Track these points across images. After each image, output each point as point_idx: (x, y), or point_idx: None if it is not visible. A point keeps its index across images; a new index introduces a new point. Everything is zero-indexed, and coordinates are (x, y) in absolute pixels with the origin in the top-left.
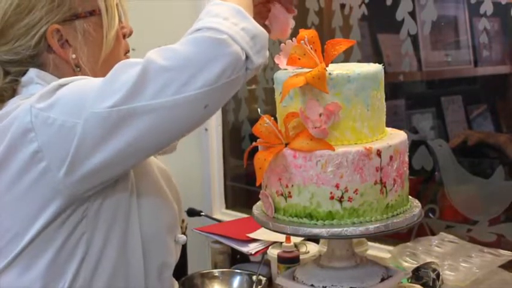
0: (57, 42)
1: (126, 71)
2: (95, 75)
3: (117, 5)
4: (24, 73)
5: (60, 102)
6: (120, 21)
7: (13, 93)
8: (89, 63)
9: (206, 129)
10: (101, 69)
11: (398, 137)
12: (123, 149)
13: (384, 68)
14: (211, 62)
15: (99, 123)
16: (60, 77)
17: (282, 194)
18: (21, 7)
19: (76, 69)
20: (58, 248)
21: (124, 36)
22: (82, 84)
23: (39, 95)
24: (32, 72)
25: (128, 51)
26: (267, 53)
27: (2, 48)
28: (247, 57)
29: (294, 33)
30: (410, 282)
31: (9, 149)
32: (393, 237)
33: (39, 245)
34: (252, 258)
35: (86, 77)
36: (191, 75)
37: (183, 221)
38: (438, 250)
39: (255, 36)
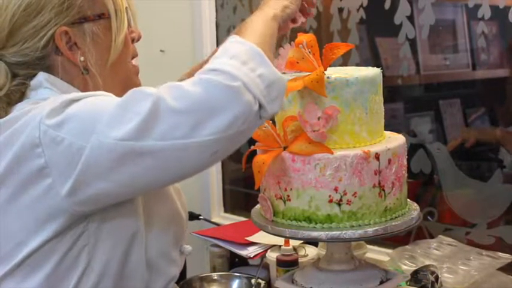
0: (65, 45)
1: (138, 102)
2: (103, 79)
3: (126, 8)
4: (33, 76)
5: (69, 121)
6: (129, 25)
7: (21, 96)
8: (97, 66)
9: None
10: (109, 72)
11: (396, 140)
12: (125, 182)
13: (382, 72)
14: (221, 110)
15: (104, 154)
16: (69, 81)
17: (280, 198)
18: (30, 9)
19: (84, 72)
20: (59, 260)
21: (132, 41)
22: (93, 104)
23: (50, 109)
24: (42, 76)
25: (135, 56)
26: (284, 99)
27: (10, 50)
28: (260, 106)
29: (292, 37)
30: (409, 285)
31: (17, 158)
32: (392, 240)
33: (39, 256)
34: (250, 262)
35: (98, 93)
36: (199, 121)
37: None
38: (437, 253)
39: (271, 84)
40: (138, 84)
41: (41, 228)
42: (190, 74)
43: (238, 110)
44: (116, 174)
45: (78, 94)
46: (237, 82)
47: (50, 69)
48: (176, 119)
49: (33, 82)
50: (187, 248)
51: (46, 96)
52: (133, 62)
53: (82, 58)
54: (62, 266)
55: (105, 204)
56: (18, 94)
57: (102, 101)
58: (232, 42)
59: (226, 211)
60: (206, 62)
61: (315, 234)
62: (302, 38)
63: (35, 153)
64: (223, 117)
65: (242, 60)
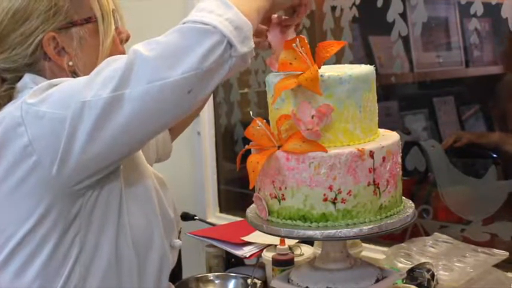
0: (53, 50)
1: (112, 63)
2: None
3: (113, 11)
4: (19, 79)
5: (51, 97)
6: (116, 27)
7: (9, 100)
8: (85, 70)
9: (199, 133)
10: None
11: (390, 138)
12: (113, 136)
13: (376, 70)
14: (193, 47)
15: (87, 113)
16: None
17: (275, 197)
18: (17, 16)
19: (73, 76)
20: (53, 248)
21: (121, 42)
22: (73, 81)
23: (31, 92)
24: (27, 77)
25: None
26: (252, 43)
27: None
28: (231, 45)
29: None
30: (405, 283)
31: (0, 144)
32: (387, 238)
33: (33, 245)
34: (246, 262)
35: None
36: (174, 61)
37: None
38: (432, 250)
39: (238, 27)
40: None
41: (30, 213)
42: None
43: (208, 45)
44: (101, 131)
45: (59, 79)
46: (206, 25)
47: (38, 74)
48: (151, 65)
49: (19, 84)
50: (177, 242)
51: None
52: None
53: (70, 63)
54: (56, 257)
55: (95, 171)
56: (6, 98)
57: (80, 78)
58: (202, 1)
59: (221, 211)
60: None
61: (310, 233)
62: (292, 40)
63: (17, 133)
64: (194, 54)
65: (209, 10)
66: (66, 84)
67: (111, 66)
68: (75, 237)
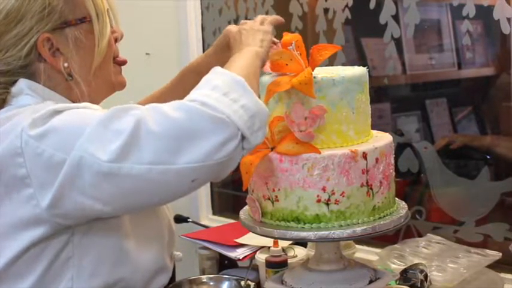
0: (48, 51)
1: (120, 122)
2: (88, 85)
3: (108, 10)
4: (13, 83)
5: (51, 134)
6: (111, 26)
7: (2, 103)
8: (81, 72)
9: None
10: (93, 78)
11: (383, 139)
12: (104, 200)
13: (369, 72)
14: (202, 137)
15: (83, 169)
16: (52, 88)
17: (268, 198)
18: (10, 17)
19: (68, 78)
20: (43, 271)
21: (116, 41)
22: (76, 118)
23: (33, 119)
24: (22, 83)
25: (117, 55)
26: (267, 129)
27: None
28: (243, 137)
29: (278, 37)
30: (399, 284)
31: None
32: (380, 239)
33: (21, 266)
34: (240, 264)
35: (81, 105)
36: (179, 147)
37: None
38: (425, 251)
39: (254, 115)
40: (123, 82)
41: (19, 236)
42: (178, 79)
43: (218, 140)
44: (94, 190)
45: (62, 105)
46: (220, 114)
47: (33, 77)
48: (156, 144)
49: (14, 89)
50: (178, 254)
51: (27, 102)
52: (119, 58)
53: (66, 64)
54: (47, 277)
55: (86, 219)
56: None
57: (85, 114)
58: (214, 73)
59: (214, 213)
60: (191, 67)
61: (303, 234)
62: (289, 38)
63: (16, 162)
64: (203, 147)
65: (223, 91)
66: (70, 120)
67: (118, 125)
68: (67, 262)
